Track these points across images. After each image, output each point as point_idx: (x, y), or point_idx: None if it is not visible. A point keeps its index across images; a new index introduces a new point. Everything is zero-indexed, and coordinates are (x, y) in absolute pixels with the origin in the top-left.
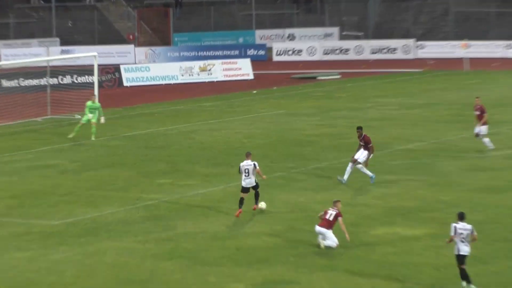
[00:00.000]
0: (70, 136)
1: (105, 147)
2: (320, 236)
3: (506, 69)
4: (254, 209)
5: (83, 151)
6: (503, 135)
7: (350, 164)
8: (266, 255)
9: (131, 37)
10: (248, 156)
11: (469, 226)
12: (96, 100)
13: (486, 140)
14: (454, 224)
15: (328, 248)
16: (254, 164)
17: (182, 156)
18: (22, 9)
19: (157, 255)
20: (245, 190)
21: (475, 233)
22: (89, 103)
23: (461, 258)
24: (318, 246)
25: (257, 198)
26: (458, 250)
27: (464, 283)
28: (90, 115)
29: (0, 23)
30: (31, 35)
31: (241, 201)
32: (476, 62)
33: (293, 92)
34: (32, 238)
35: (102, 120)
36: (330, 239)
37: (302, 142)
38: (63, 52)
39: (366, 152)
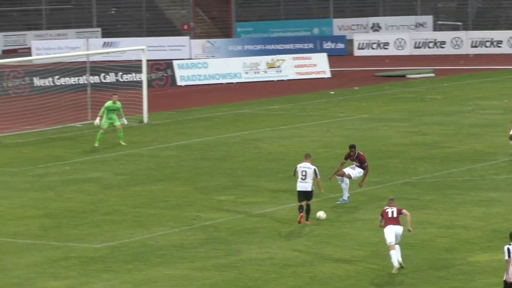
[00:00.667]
0: (96, 145)
1: (155, 157)
2: (393, 255)
3: None
4: (299, 222)
5: (129, 163)
6: None
7: (341, 179)
8: (345, 286)
9: (186, 27)
10: (307, 157)
11: None
12: (117, 100)
13: None
14: (507, 246)
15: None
16: (315, 170)
17: (246, 169)
18: None
19: (217, 284)
20: (301, 196)
21: None
22: (109, 103)
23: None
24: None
25: (308, 213)
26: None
27: None
28: (97, 120)
29: (31, 11)
30: (67, 25)
31: (301, 207)
32: None
33: (377, 93)
34: (71, 264)
35: (124, 121)
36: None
37: (388, 152)
38: (105, 45)
39: (361, 171)
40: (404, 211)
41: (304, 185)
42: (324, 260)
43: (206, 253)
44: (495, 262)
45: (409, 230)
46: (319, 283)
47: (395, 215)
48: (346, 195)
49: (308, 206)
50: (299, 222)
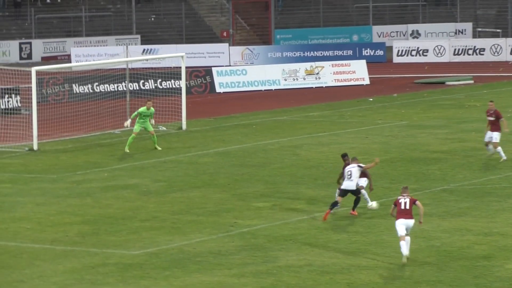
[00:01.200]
0: (127, 150)
1: (193, 164)
2: (403, 246)
3: None
4: (351, 214)
5: (168, 169)
6: None
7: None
8: None
9: (225, 34)
10: (354, 160)
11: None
12: (151, 106)
13: (499, 148)
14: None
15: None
16: (359, 166)
17: (284, 175)
18: (96, 0)
19: None
20: (343, 193)
21: None
22: (143, 109)
23: None
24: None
25: (356, 203)
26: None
27: None
28: (127, 122)
29: (70, 17)
30: (107, 32)
31: (334, 204)
32: None
33: (416, 100)
34: (109, 270)
35: (153, 122)
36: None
37: (427, 159)
38: (144, 52)
39: (364, 178)
40: (417, 202)
41: (349, 184)
42: (362, 267)
43: (244, 259)
44: None
45: (420, 222)
46: None
47: (407, 206)
48: (369, 200)
49: (357, 198)
50: (324, 219)
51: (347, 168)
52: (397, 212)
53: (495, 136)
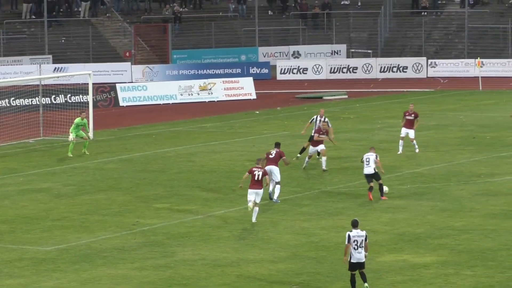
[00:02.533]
0: (70, 155)
1: (100, 170)
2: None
3: None
4: (382, 199)
5: (77, 174)
6: None
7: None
8: (268, 283)
9: (127, 54)
10: (371, 149)
11: (362, 233)
12: (85, 117)
13: (415, 142)
14: (348, 233)
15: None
16: (376, 155)
17: (181, 180)
18: (12, 24)
19: (154, 282)
20: (368, 178)
21: (367, 241)
22: (78, 120)
23: (353, 266)
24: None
25: (381, 190)
26: (351, 258)
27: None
28: (70, 136)
29: None
30: (22, 52)
31: (371, 188)
32: (492, 82)
33: (298, 113)
34: (24, 264)
35: (91, 135)
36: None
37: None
38: (56, 70)
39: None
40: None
41: (368, 169)
42: (249, 260)
43: (144, 254)
44: (400, 262)
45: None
46: (245, 281)
47: (260, 178)
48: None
49: (380, 185)
50: (370, 199)
51: (366, 156)
52: (250, 183)
53: (411, 133)
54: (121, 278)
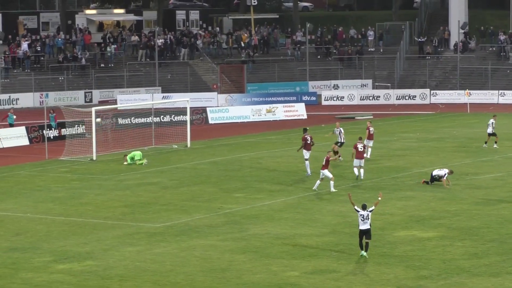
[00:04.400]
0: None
1: (194, 169)
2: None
3: (499, 111)
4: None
5: (178, 172)
6: (495, 162)
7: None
8: (315, 251)
9: (215, 86)
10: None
11: (366, 213)
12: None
13: (370, 149)
14: (359, 212)
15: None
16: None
17: (253, 176)
18: (133, 65)
19: (233, 250)
20: (362, 233)
21: (372, 210)
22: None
23: (361, 233)
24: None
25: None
26: (360, 226)
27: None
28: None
29: (117, 76)
30: (140, 85)
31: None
32: (476, 107)
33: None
34: (140, 237)
35: (188, 144)
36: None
37: (342, 167)
38: (164, 97)
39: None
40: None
41: (364, 226)
42: (302, 235)
43: (226, 230)
44: (410, 236)
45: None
46: (299, 249)
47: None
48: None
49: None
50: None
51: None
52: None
53: (371, 143)
54: (209, 247)
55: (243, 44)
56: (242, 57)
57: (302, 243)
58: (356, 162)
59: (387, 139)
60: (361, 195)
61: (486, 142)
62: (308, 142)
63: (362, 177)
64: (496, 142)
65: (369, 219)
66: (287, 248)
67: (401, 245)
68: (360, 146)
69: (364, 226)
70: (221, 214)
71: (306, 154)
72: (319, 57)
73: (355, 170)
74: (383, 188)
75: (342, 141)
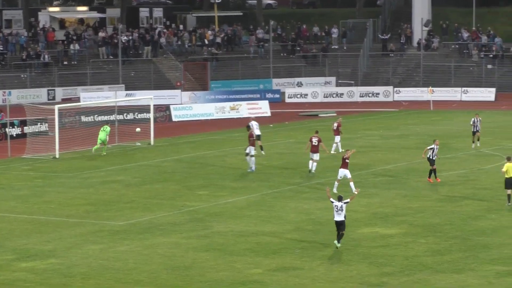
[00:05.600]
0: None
1: (158, 167)
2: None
3: (462, 109)
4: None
5: (142, 170)
6: (458, 159)
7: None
8: (279, 248)
9: (178, 84)
10: (435, 141)
11: (341, 204)
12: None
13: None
14: (334, 203)
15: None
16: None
17: (216, 174)
18: (96, 62)
19: (196, 248)
20: (337, 225)
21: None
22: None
23: (336, 224)
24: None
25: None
26: (334, 217)
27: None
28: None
29: (80, 73)
30: (103, 82)
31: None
32: (439, 104)
33: (300, 126)
34: (104, 234)
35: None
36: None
37: (307, 164)
38: (127, 95)
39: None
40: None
41: (339, 217)
42: (266, 232)
43: (190, 227)
44: (373, 233)
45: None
46: (262, 247)
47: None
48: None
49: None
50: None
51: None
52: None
53: (338, 140)
54: (172, 245)
55: (206, 42)
56: (206, 54)
57: (265, 240)
58: (310, 155)
59: (350, 136)
60: (323, 192)
61: (473, 142)
62: (253, 138)
63: (313, 171)
64: (473, 142)
65: (343, 211)
66: (251, 245)
67: (364, 242)
68: (314, 140)
69: (338, 218)
70: (184, 211)
71: (251, 150)
72: (282, 54)
73: (310, 163)
74: (346, 185)
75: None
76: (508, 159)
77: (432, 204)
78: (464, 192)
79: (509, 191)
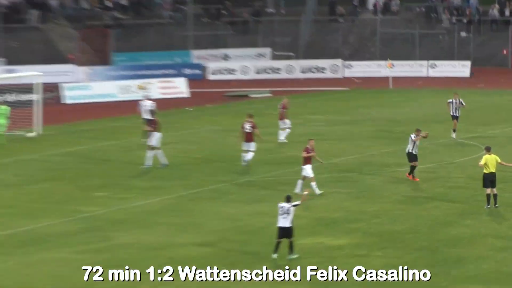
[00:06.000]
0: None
1: (47, 162)
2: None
3: (429, 87)
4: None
5: (25, 166)
6: (424, 150)
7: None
8: (198, 265)
9: (72, 57)
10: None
11: (288, 206)
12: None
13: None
14: (279, 204)
15: None
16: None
17: (121, 170)
18: None
19: (94, 264)
20: (281, 232)
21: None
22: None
23: (280, 231)
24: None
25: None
26: (278, 223)
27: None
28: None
29: None
30: None
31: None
32: (401, 81)
33: (226, 109)
34: None
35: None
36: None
37: (234, 157)
38: (8, 71)
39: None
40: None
41: (284, 222)
42: (181, 244)
43: (85, 239)
44: (317, 244)
45: None
46: (177, 263)
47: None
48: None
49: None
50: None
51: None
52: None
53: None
54: (62, 261)
55: (109, 4)
56: (107, 20)
57: (181, 254)
58: (244, 146)
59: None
60: (256, 192)
61: (454, 131)
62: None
63: (246, 160)
64: (454, 130)
65: (291, 214)
66: (162, 261)
67: (306, 255)
68: (247, 126)
69: (284, 223)
70: (78, 219)
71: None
72: (204, 20)
73: (243, 154)
74: (284, 184)
75: None
76: (487, 150)
77: (392, 207)
78: (432, 192)
79: (488, 191)
